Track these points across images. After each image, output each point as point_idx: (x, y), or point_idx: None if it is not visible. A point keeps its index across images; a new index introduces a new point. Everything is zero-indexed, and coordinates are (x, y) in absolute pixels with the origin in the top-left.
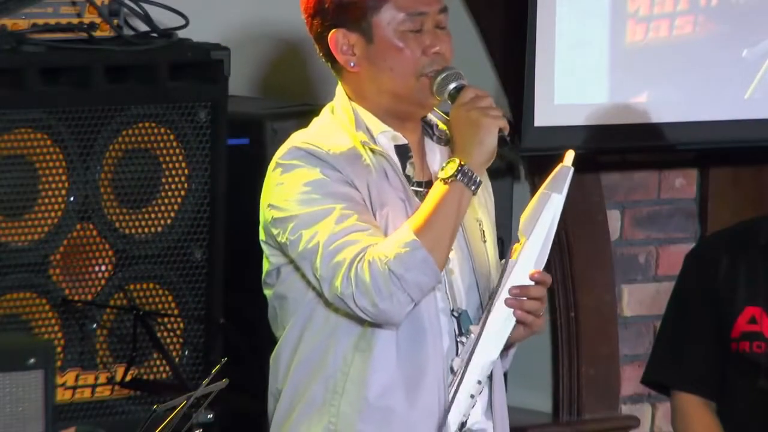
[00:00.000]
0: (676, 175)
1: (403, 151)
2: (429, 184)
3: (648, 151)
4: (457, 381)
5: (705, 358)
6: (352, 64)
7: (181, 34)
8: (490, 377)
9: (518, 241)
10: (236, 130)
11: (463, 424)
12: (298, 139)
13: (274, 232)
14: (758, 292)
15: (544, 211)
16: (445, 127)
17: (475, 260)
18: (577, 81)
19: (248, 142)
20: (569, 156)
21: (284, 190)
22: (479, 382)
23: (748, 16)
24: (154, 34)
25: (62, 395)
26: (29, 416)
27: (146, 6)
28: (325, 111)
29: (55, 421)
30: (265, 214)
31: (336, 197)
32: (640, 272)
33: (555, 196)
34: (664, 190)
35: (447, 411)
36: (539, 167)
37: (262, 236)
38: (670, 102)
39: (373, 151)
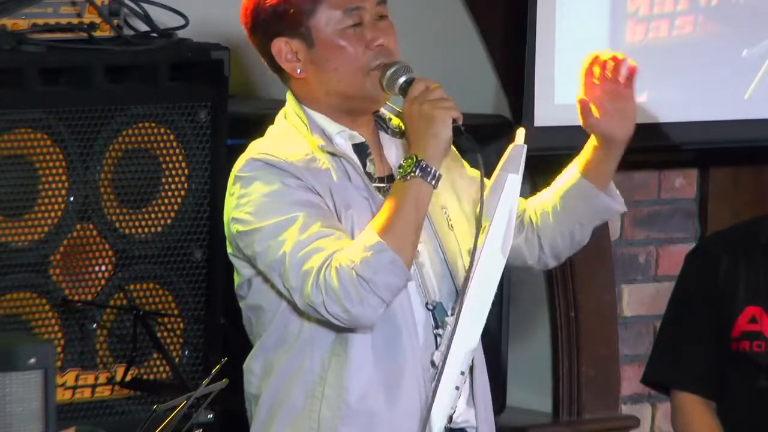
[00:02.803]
0: (676, 175)
1: (361, 149)
2: (390, 179)
3: (648, 151)
4: (439, 374)
5: (705, 358)
6: (298, 71)
7: (181, 34)
8: (471, 366)
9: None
10: (236, 130)
11: (450, 417)
12: (254, 150)
13: (241, 245)
14: (758, 292)
15: (503, 193)
16: (398, 122)
17: (445, 249)
18: (577, 81)
19: (248, 142)
20: (520, 134)
21: (246, 203)
22: (462, 373)
23: (748, 16)
24: (154, 34)
25: (62, 395)
26: (29, 416)
27: (146, 6)
28: (279, 118)
29: (55, 421)
30: (230, 228)
31: (298, 205)
32: (640, 272)
33: (512, 176)
34: (664, 190)
35: (430, 407)
36: (539, 167)
37: (229, 249)
38: (670, 102)
39: (332, 154)
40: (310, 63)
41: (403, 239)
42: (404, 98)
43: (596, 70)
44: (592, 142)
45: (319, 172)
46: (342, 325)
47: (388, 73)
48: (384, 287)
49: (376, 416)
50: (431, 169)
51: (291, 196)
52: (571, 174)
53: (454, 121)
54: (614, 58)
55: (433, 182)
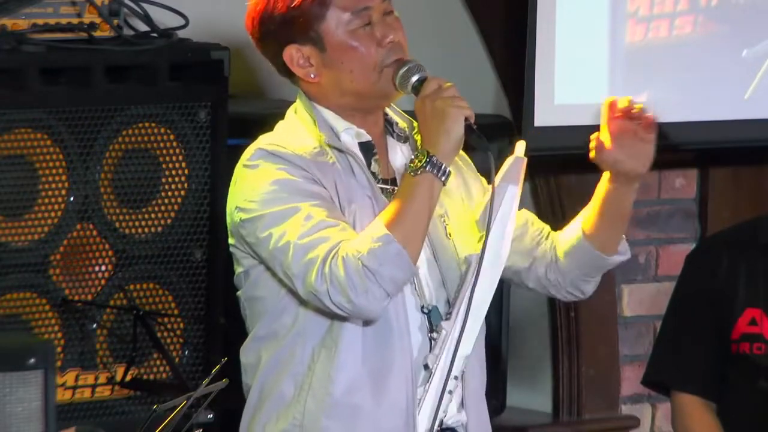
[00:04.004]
0: (676, 175)
1: (367, 148)
2: (394, 182)
3: None
4: (432, 379)
5: (705, 359)
6: (312, 75)
7: (181, 34)
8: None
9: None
10: (236, 130)
11: (441, 421)
12: (263, 141)
13: (243, 233)
14: (758, 294)
15: (503, 204)
16: (405, 125)
17: (439, 257)
18: (577, 81)
19: (248, 142)
20: (520, 146)
21: (251, 192)
22: (455, 378)
23: (748, 16)
24: (154, 34)
25: (62, 395)
26: (29, 416)
27: (146, 6)
28: (289, 113)
29: (55, 421)
30: (233, 216)
31: (303, 195)
32: (640, 272)
33: (511, 187)
34: (664, 190)
35: (437, 410)
36: (539, 167)
37: (230, 240)
38: (670, 102)
39: (337, 149)
40: (323, 66)
41: (410, 233)
42: (416, 96)
43: (620, 103)
44: (605, 177)
45: (325, 166)
46: (345, 315)
47: (401, 72)
48: (389, 279)
49: (360, 411)
50: (442, 165)
51: (296, 186)
52: (576, 235)
53: (466, 119)
54: (627, 109)
55: (443, 178)
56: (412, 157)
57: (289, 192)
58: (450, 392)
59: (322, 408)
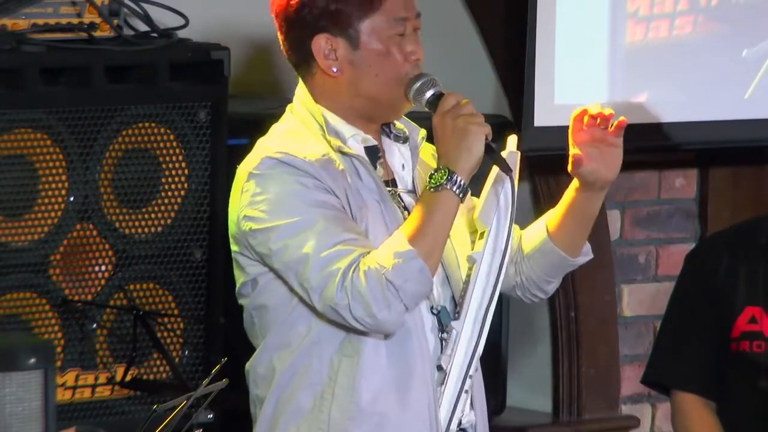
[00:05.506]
0: (676, 175)
1: (372, 152)
2: (393, 183)
3: (648, 151)
4: (448, 380)
5: (705, 358)
6: (335, 69)
7: (181, 34)
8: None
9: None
10: (236, 130)
11: (459, 421)
12: (270, 148)
13: (253, 243)
14: (758, 292)
15: (500, 200)
16: (402, 126)
17: (444, 256)
18: (577, 81)
19: (248, 142)
20: (512, 141)
21: (261, 201)
22: (470, 377)
23: (748, 16)
24: (154, 34)
25: (62, 395)
26: (29, 416)
27: (146, 6)
28: (287, 115)
29: (55, 421)
30: (240, 226)
31: (317, 205)
32: (640, 272)
33: (508, 183)
34: (664, 190)
35: (453, 410)
36: (539, 167)
37: (234, 248)
38: (670, 102)
39: (347, 154)
40: (349, 63)
41: (431, 249)
42: (432, 111)
43: (586, 118)
44: (573, 185)
45: (336, 174)
46: (362, 329)
47: (416, 85)
48: (411, 295)
49: (386, 418)
50: (462, 182)
51: (309, 195)
52: (542, 237)
53: (485, 137)
54: (601, 114)
55: (462, 196)
56: (432, 172)
57: (302, 202)
58: (466, 392)
59: (348, 417)
